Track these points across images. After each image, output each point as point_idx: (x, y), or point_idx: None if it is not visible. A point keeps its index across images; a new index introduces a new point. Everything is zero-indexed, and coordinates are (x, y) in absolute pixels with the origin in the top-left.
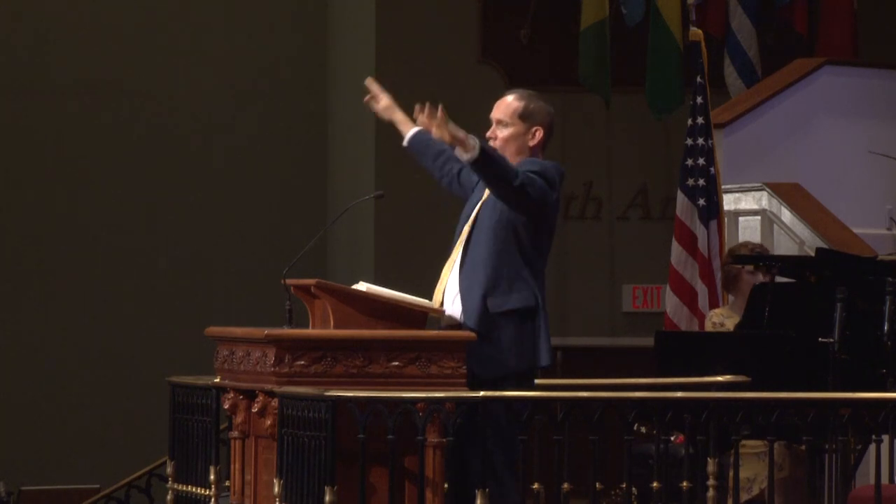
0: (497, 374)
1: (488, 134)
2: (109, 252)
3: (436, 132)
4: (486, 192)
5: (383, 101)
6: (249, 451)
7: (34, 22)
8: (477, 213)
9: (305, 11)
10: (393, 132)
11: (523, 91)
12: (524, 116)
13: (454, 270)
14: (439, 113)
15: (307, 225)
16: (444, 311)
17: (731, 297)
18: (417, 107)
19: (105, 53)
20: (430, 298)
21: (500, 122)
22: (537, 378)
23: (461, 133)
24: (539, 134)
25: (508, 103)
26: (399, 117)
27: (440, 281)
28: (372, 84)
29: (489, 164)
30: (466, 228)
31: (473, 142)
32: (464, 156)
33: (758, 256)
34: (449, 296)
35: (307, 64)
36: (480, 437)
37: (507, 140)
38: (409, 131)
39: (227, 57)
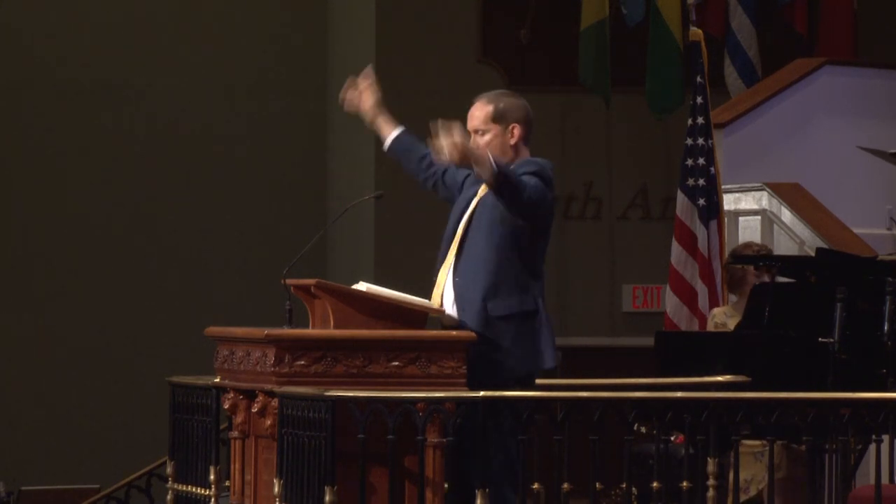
0: (498, 378)
1: (469, 144)
2: (109, 252)
3: (454, 156)
4: (482, 189)
5: (371, 100)
6: (249, 451)
7: (33, 22)
8: (473, 212)
9: (305, 11)
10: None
11: (490, 93)
12: (497, 118)
13: (450, 271)
14: (457, 136)
15: (307, 225)
16: (444, 311)
17: (732, 297)
18: (433, 124)
19: (104, 53)
20: (430, 299)
21: (476, 132)
22: (539, 378)
23: (481, 152)
24: (516, 131)
25: (480, 109)
26: (383, 119)
27: (437, 284)
28: (369, 74)
29: (504, 184)
30: (461, 227)
31: (490, 162)
32: (479, 172)
33: (758, 257)
34: (448, 298)
35: (307, 64)
36: (480, 441)
37: (486, 147)
38: (391, 134)
39: (226, 57)
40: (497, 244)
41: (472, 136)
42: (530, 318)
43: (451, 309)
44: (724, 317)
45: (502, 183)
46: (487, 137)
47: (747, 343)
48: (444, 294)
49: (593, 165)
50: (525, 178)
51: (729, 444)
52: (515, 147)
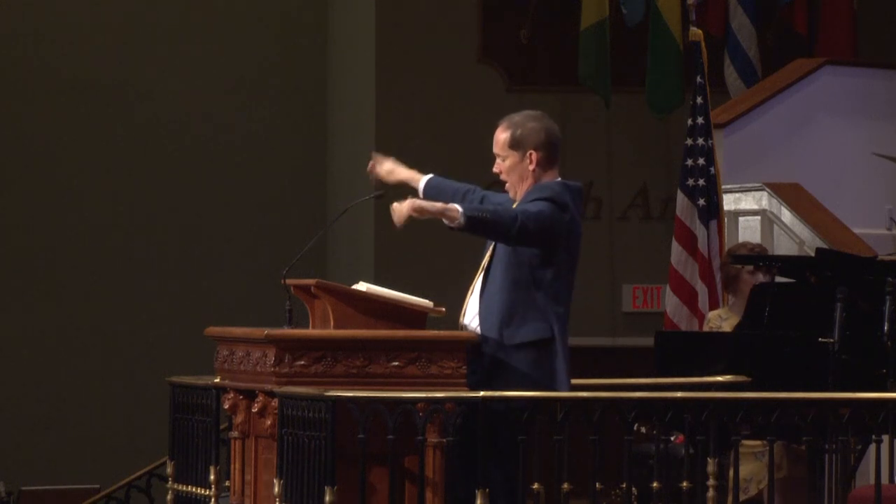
0: None
1: (494, 169)
2: (109, 252)
3: (416, 213)
4: None
5: (386, 165)
6: (249, 451)
7: (34, 21)
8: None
9: (306, 12)
10: (393, 133)
11: (512, 117)
12: (514, 145)
13: (475, 295)
14: (413, 205)
15: (307, 225)
16: (443, 311)
17: (730, 298)
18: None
19: (105, 53)
20: (431, 299)
21: (498, 156)
22: None
23: (439, 206)
24: (534, 157)
25: (499, 135)
26: (404, 175)
27: (464, 304)
28: (376, 155)
29: (477, 229)
30: (489, 251)
31: (455, 212)
32: (450, 225)
33: (758, 256)
34: (469, 317)
35: (307, 64)
36: (481, 446)
37: (509, 171)
38: (421, 182)
39: (226, 57)
40: (512, 276)
41: (496, 158)
42: (545, 345)
43: (471, 324)
44: (718, 320)
45: (472, 229)
46: (507, 163)
47: (747, 343)
48: (467, 313)
49: (593, 165)
50: (531, 205)
51: (729, 444)
52: (535, 172)
